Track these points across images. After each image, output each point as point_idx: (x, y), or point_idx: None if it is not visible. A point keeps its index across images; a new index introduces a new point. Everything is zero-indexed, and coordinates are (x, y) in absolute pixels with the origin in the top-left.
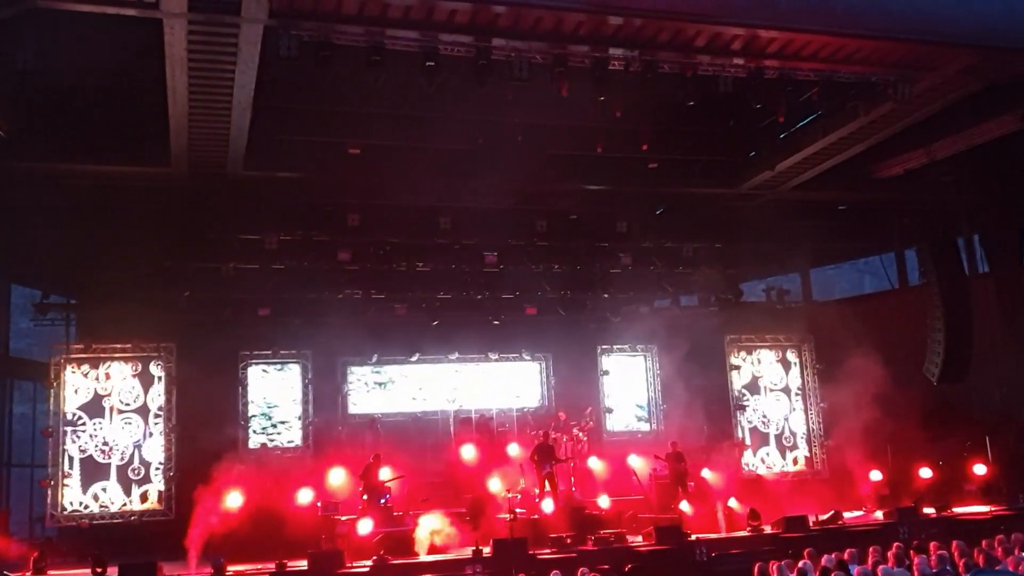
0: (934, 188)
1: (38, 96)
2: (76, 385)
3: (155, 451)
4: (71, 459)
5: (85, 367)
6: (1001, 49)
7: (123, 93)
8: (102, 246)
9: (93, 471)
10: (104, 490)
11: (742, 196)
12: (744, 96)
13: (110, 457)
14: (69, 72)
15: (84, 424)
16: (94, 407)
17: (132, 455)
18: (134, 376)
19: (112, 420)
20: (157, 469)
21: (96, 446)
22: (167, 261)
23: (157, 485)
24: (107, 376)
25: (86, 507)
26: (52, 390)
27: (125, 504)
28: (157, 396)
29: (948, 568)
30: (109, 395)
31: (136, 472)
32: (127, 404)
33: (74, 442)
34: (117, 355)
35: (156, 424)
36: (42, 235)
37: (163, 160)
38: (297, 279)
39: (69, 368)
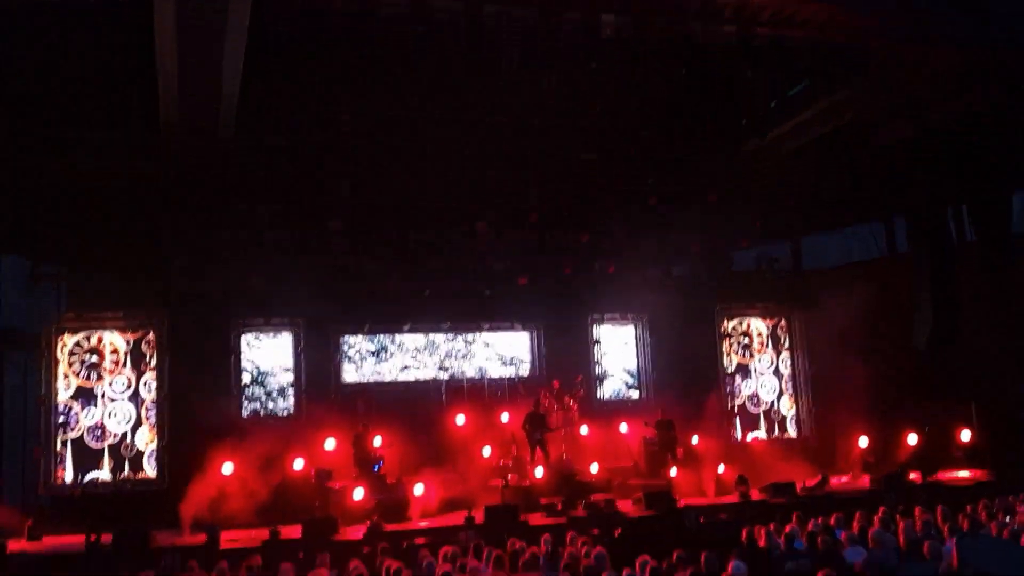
0: (924, 156)
1: (26, 63)
2: (66, 372)
3: (147, 438)
4: (63, 444)
5: (75, 353)
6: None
7: (113, 59)
8: (93, 215)
9: (85, 455)
10: (95, 478)
11: (733, 164)
12: (736, 64)
13: (103, 442)
14: (58, 37)
15: (76, 414)
16: (85, 396)
17: (124, 436)
18: (126, 353)
19: (104, 408)
20: (150, 457)
21: (88, 429)
22: (158, 229)
23: (149, 470)
24: (99, 372)
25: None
26: (44, 360)
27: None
28: (150, 382)
29: (933, 532)
30: (101, 381)
31: (128, 449)
32: (119, 392)
33: (65, 432)
34: (108, 324)
35: (149, 415)
36: (32, 204)
37: (153, 127)
38: (289, 247)
39: (60, 350)
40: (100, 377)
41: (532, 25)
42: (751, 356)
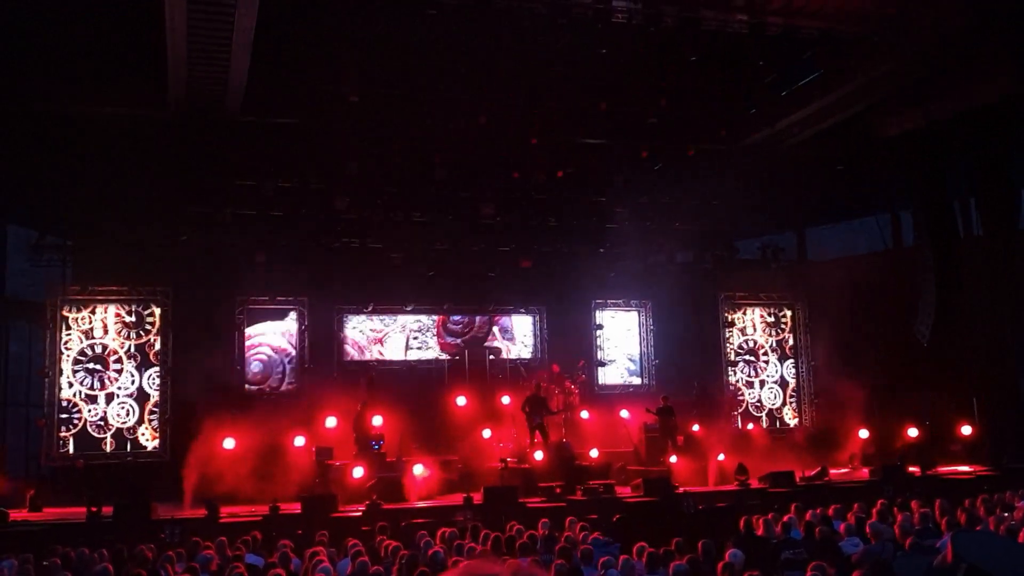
0: (932, 149)
1: (35, 37)
2: (70, 380)
3: (149, 435)
4: (68, 435)
5: (79, 362)
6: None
7: (121, 33)
8: (99, 188)
9: (88, 440)
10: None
11: (740, 153)
12: (746, 52)
13: (106, 432)
14: (66, 11)
15: (79, 411)
16: (89, 395)
17: (126, 427)
18: (128, 353)
19: (107, 404)
20: (153, 452)
21: (91, 423)
22: (164, 205)
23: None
24: (102, 380)
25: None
26: (48, 331)
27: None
28: (154, 378)
29: (930, 526)
30: (104, 388)
31: (131, 432)
32: (123, 388)
33: (69, 430)
34: (113, 298)
35: (152, 418)
36: (39, 176)
37: (161, 102)
38: (294, 226)
39: (64, 345)
40: (103, 385)
41: (543, 11)
42: (756, 373)
